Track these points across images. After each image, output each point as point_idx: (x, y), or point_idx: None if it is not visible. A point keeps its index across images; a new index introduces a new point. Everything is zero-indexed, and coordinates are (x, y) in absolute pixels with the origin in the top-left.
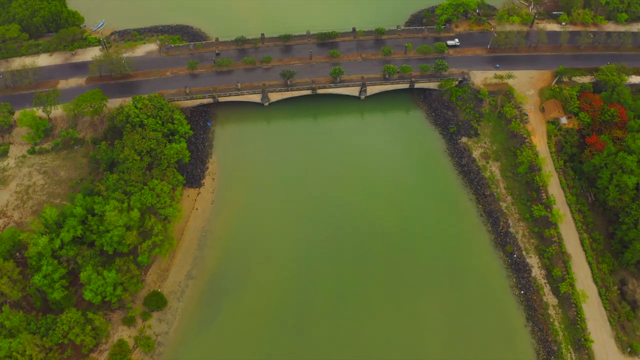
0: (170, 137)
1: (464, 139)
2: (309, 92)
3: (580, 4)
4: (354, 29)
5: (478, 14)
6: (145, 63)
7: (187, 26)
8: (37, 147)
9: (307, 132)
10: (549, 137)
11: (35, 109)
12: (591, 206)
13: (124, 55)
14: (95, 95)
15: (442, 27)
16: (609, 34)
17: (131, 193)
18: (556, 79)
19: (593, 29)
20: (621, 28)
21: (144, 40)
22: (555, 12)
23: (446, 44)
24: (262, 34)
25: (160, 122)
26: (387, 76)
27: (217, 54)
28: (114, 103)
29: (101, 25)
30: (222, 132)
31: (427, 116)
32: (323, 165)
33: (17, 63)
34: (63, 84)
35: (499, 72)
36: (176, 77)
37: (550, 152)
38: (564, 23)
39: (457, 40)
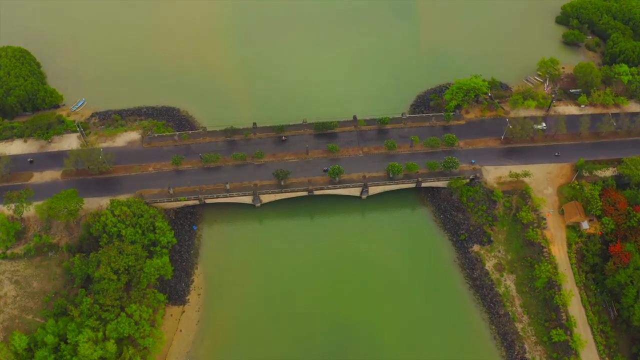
0: (152, 248)
1: (476, 247)
2: (304, 193)
3: (599, 82)
4: (354, 117)
5: (490, 97)
6: (126, 155)
7: (173, 108)
8: (8, 252)
9: (303, 237)
10: (569, 245)
11: (5, 209)
12: (613, 322)
13: (104, 145)
14: (70, 197)
15: (451, 114)
16: (632, 116)
17: (107, 320)
18: (576, 174)
19: (614, 110)
20: None
21: (125, 128)
22: (573, 90)
23: (532, 127)
24: (254, 123)
25: (140, 231)
26: (391, 175)
27: (283, 140)
28: (91, 203)
29: (81, 105)
30: (209, 237)
31: (434, 218)
32: (321, 275)
33: None
34: (37, 178)
35: (514, 170)
36: (159, 173)
37: (571, 264)
38: (583, 105)
39: (544, 124)
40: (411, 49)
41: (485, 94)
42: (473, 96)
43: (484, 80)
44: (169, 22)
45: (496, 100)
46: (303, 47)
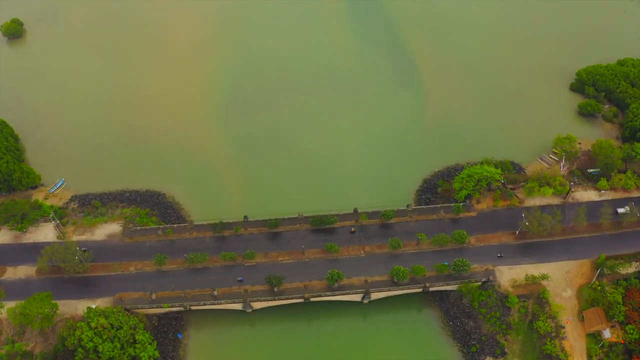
0: None
1: None
2: (300, 300)
3: (620, 164)
4: (355, 210)
5: (503, 184)
6: (105, 251)
7: (158, 193)
8: None
9: (300, 346)
10: (589, 357)
11: None
12: None
13: (82, 237)
14: (45, 302)
15: (461, 205)
16: None
17: None
18: (597, 272)
19: (636, 193)
20: None
21: (105, 217)
22: (592, 170)
23: (616, 211)
24: (245, 217)
25: (119, 345)
26: (395, 280)
27: (352, 232)
28: (67, 306)
29: (60, 186)
30: (195, 347)
31: (443, 325)
32: None
33: None
34: (10, 273)
35: (530, 271)
36: (141, 273)
37: None
38: (603, 191)
39: (627, 207)
40: (416, 125)
41: (498, 180)
42: (485, 185)
43: (496, 167)
44: (156, 99)
45: (509, 187)
46: (299, 125)
